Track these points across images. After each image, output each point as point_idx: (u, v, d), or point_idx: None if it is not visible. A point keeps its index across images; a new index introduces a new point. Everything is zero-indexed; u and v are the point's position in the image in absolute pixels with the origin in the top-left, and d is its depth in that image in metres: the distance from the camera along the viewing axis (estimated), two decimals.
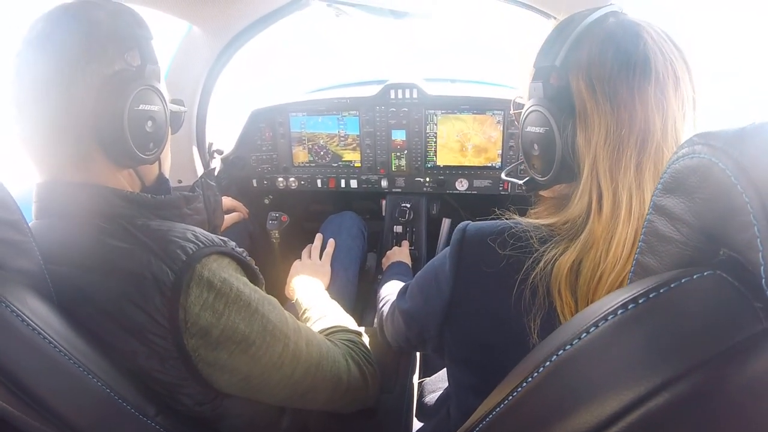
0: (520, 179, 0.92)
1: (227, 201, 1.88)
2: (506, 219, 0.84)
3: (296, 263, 1.69)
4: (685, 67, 0.74)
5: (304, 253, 1.77)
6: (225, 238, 0.90)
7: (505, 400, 0.49)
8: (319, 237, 1.83)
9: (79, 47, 0.80)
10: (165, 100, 0.93)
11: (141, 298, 0.75)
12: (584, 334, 0.42)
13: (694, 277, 0.38)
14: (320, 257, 1.73)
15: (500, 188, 1.95)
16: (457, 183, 1.97)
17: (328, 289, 1.56)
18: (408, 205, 2.02)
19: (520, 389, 0.47)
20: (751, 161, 0.36)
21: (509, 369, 0.60)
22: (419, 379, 1.45)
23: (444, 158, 1.97)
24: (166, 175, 1.03)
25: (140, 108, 0.86)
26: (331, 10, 1.57)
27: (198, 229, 0.86)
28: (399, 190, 2.05)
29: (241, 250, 0.92)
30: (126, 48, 0.85)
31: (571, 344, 0.43)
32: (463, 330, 0.89)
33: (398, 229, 2.02)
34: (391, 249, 1.93)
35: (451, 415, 1.02)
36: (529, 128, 0.83)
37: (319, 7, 1.58)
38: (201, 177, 1.09)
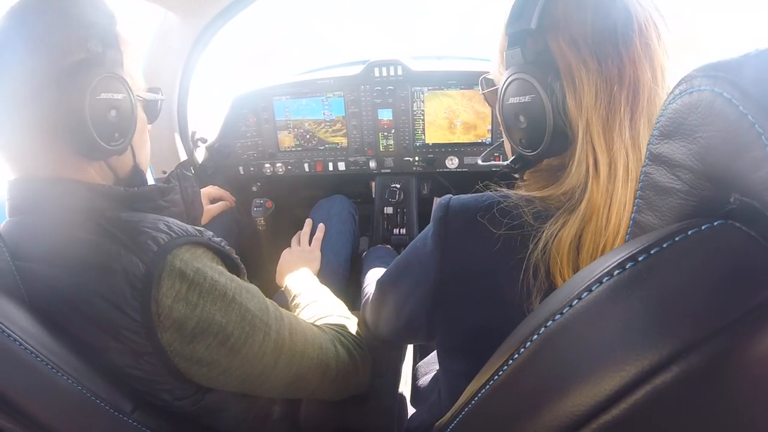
0: (500, 161, 0.85)
1: (213, 190, 1.84)
2: (492, 192, 0.78)
3: (285, 251, 1.66)
4: (660, 16, 0.72)
5: (294, 240, 1.74)
6: (201, 228, 0.87)
7: (492, 379, 0.43)
8: (308, 223, 1.79)
9: (39, 36, 0.78)
10: (130, 88, 0.88)
11: (111, 292, 0.73)
12: (576, 301, 0.36)
13: (703, 228, 0.33)
14: (310, 243, 1.70)
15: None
16: (447, 161, 1.92)
17: (319, 274, 1.52)
18: (398, 186, 1.97)
19: (506, 367, 0.41)
20: (761, 87, 0.30)
21: (491, 344, 0.56)
22: (413, 361, 1.42)
23: (433, 136, 1.92)
24: (142, 166, 0.99)
25: (102, 97, 0.82)
26: None
27: (171, 220, 0.83)
28: (388, 170, 2.00)
29: (219, 239, 0.88)
30: (89, 36, 0.82)
31: (562, 313, 0.37)
32: (453, 315, 0.82)
33: (389, 210, 1.98)
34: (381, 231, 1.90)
35: (442, 398, 0.99)
36: (511, 100, 0.77)
37: None
38: (176, 168, 1.05)
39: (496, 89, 0.85)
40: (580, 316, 0.37)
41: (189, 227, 0.84)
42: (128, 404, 0.76)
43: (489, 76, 0.90)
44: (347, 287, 1.71)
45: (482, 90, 0.92)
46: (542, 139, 0.74)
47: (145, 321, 0.74)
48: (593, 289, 0.36)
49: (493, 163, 0.91)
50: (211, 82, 2.10)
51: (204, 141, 2.01)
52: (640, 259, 0.34)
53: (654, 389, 0.31)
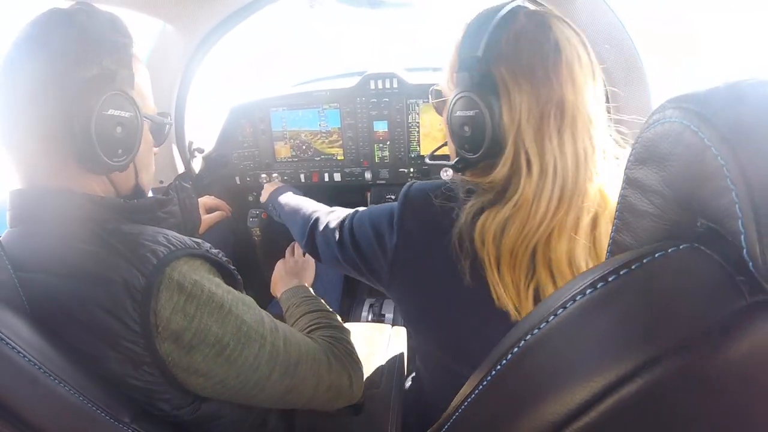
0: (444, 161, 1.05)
1: (209, 200, 1.84)
2: (444, 178, 0.99)
3: (280, 262, 1.67)
4: (581, 41, 0.89)
5: (288, 251, 1.75)
6: (199, 240, 0.88)
7: (479, 386, 0.46)
8: None
9: (58, 51, 0.81)
10: (138, 108, 0.90)
11: (111, 303, 0.74)
12: (552, 317, 0.39)
13: (669, 251, 0.35)
14: (304, 254, 1.71)
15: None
16: (441, 172, 1.94)
17: (314, 285, 1.54)
18: (393, 197, 1.99)
19: (491, 375, 0.44)
20: (725, 121, 0.33)
21: (451, 304, 0.93)
22: (407, 372, 1.43)
23: (427, 147, 1.94)
24: (144, 187, 1.01)
25: (109, 113, 0.84)
26: (305, 1, 1.54)
27: (170, 232, 0.85)
28: (383, 181, 2.02)
29: (216, 251, 0.90)
30: (104, 53, 0.85)
31: (539, 328, 0.40)
32: (409, 267, 0.99)
33: None
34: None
35: (421, 376, 1.15)
36: (458, 113, 0.93)
37: None
38: (175, 180, 1.07)
39: (444, 100, 1.03)
40: (556, 331, 0.39)
41: (187, 239, 0.85)
42: (127, 414, 0.77)
43: (438, 88, 1.06)
44: (342, 298, 1.73)
45: (431, 100, 1.09)
46: (482, 145, 0.90)
47: (144, 331, 0.75)
48: (567, 306, 0.38)
49: (440, 162, 1.07)
50: (212, 85, 2.12)
51: (201, 151, 2.02)
52: (610, 279, 0.37)
53: (620, 399, 0.33)
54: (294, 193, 1.74)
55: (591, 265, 0.85)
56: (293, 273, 1.58)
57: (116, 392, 0.78)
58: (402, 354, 1.41)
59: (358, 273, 1.17)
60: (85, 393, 0.72)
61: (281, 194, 1.71)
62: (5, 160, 0.86)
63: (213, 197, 1.87)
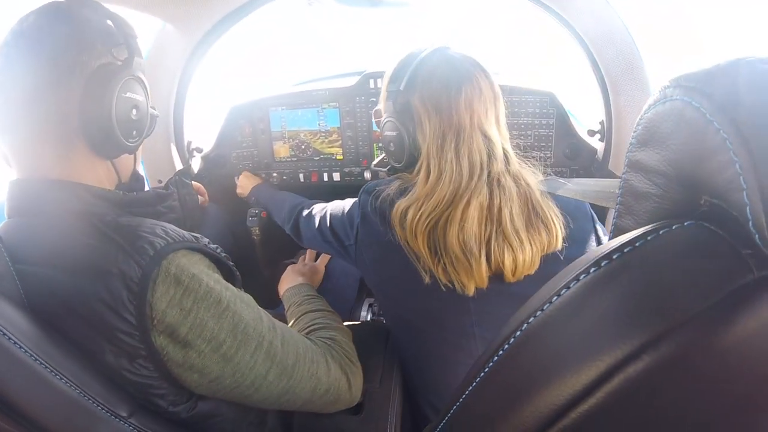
0: (384, 167, 1.38)
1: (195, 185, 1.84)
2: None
3: (290, 266, 1.68)
4: (486, 78, 1.12)
5: (301, 258, 1.80)
6: (198, 235, 0.87)
7: (478, 376, 0.45)
8: None
9: (69, 40, 0.82)
10: (148, 93, 0.95)
11: (108, 295, 0.73)
12: (555, 297, 0.38)
13: (674, 228, 0.35)
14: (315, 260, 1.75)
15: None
16: None
17: (326, 292, 1.53)
18: None
19: (492, 363, 0.43)
20: (726, 96, 0.32)
21: (394, 271, 1.20)
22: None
23: None
24: (140, 171, 1.02)
25: (127, 95, 0.88)
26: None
27: (168, 225, 0.84)
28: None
29: (215, 246, 0.89)
30: (113, 43, 0.88)
31: (542, 309, 0.39)
32: (366, 248, 1.27)
33: None
34: None
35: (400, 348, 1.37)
36: (387, 132, 1.19)
37: None
38: (175, 175, 1.07)
39: (381, 119, 1.26)
40: (560, 312, 0.38)
41: (186, 233, 0.84)
42: (125, 409, 0.77)
43: (378, 109, 1.29)
44: (354, 305, 1.73)
45: (374, 119, 1.33)
46: (403, 158, 1.18)
47: (139, 323, 0.74)
48: (571, 286, 0.38)
49: (380, 169, 1.43)
50: (211, 84, 2.12)
51: (200, 150, 2.02)
52: (614, 257, 0.36)
53: (627, 378, 0.32)
54: (273, 188, 1.99)
55: (488, 248, 1.06)
56: (300, 273, 1.61)
57: (114, 387, 0.77)
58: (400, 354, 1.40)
59: (334, 251, 1.44)
60: (82, 386, 0.71)
61: (264, 188, 1.97)
62: (2, 150, 0.87)
63: (194, 182, 1.86)
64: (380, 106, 1.27)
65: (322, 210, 1.48)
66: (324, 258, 1.71)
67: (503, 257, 1.05)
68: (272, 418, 1.10)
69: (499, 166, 1.09)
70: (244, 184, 2.03)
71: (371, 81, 1.89)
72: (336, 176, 2.04)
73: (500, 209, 1.06)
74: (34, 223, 0.82)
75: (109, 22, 0.89)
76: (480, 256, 1.05)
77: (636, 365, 0.32)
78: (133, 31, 0.92)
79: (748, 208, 0.31)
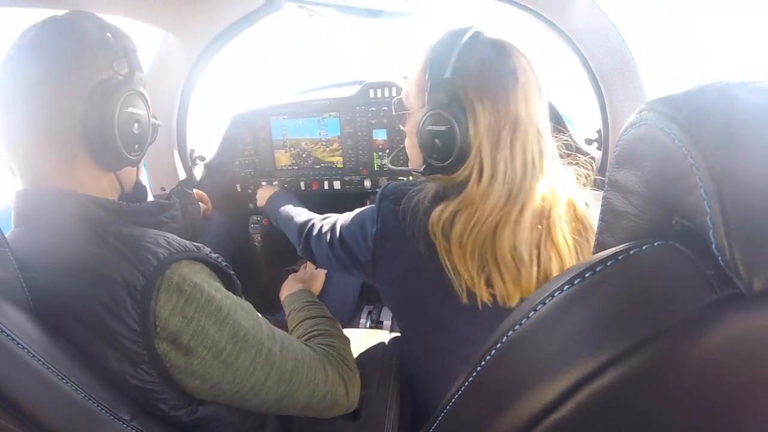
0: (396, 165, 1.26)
1: (196, 192, 1.87)
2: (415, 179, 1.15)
3: (293, 275, 1.70)
4: (533, 71, 1.03)
5: (302, 265, 1.80)
6: (199, 244, 0.90)
7: (465, 383, 0.47)
8: None
9: (72, 54, 0.84)
10: (149, 106, 0.96)
11: (113, 303, 0.76)
12: (532, 313, 0.41)
13: (644, 248, 0.37)
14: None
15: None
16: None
17: (327, 300, 1.55)
18: None
19: (476, 372, 0.46)
20: (695, 122, 0.34)
21: (422, 288, 1.09)
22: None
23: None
24: (143, 181, 1.04)
25: (129, 110, 0.89)
26: (303, 12, 1.56)
27: (171, 235, 0.87)
28: None
29: (216, 255, 0.92)
30: (114, 57, 0.90)
31: (520, 324, 0.41)
32: (389, 253, 1.14)
33: None
34: None
35: (409, 364, 1.32)
36: (430, 127, 1.03)
37: (291, 9, 1.57)
38: (177, 185, 1.09)
39: (406, 113, 1.17)
40: (536, 327, 0.41)
41: (187, 243, 0.87)
42: (128, 412, 0.79)
43: (401, 99, 1.18)
44: (354, 312, 1.75)
45: (395, 111, 1.21)
46: (450, 155, 1.03)
47: (143, 331, 0.77)
48: (547, 302, 0.40)
49: (407, 169, 1.26)
50: (214, 92, 2.14)
51: (202, 159, 2.04)
52: (586, 275, 0.38)
53: (592, 392, 0.34)
54: (289, 198, 1.83)
55: (537, 254, 1.00)
56: (300, 280, 1.62)
57: (117, 391, 0.79)
58: (399, 360, 1.42)
59: (347, 270, 1.31)
60: (87, 390, 0.74)
61: (279, 201, 1.78)
62: (5, 162, 0.89)
63: (196, 190, 1.89)
64: (409, 98, 1.15)
65: (331, 225, 1.35)
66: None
67: (550, 264, 1.01)
68: (271, 423, 1.12)
69: (549, 164, 1.03)
70: (263, 196, 1.93)
71: (371, 91, 1.90)
72: (336, 185, 2.05)
73: (550, 213, 1.00)
74: (40, 232, 0.85)
75: (109, 35, 0.91)
76: (531, 264, 0.99)
77: (602, 378, 0.34)
78: (134, 44, 0.94)
79: (711, 231, 0.32)
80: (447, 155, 1.04)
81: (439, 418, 0.52)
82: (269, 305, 1.62)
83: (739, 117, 0.34)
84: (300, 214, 1.60)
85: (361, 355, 1.17)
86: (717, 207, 0.32)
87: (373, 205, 1.17)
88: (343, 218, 1.33)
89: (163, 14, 1.47)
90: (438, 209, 1.01)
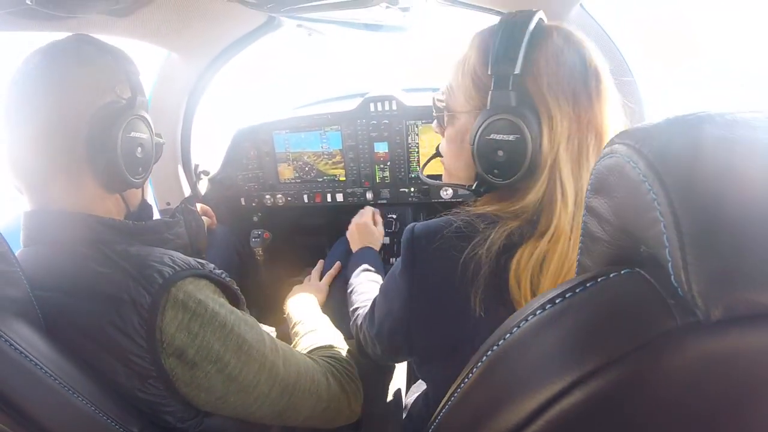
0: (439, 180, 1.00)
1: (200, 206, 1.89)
2: (450, 215, 0.87)
3: (296, 286, 1.71)
4: (605, 70, 0.84)
5: (306, 277, 1.80)
6: (203, 261, 0.92)
7: (453, 395, 0.50)
8: (320, 263, 1.84)
9: (74, 80, 0.87)
10: (152, 129, 0.98)
11: (120, 320, 0.78)
12: (508, 335, 0.43)
13: (611, 275, 0.39)
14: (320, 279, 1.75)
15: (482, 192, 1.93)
16: (441, 192, 1.96)
17: (330, 310, 1.56)
18: (394, 216, 2.01)
19: (463, 384, 0.48)
20: (659, 157, 0.36)
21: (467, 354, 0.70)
22: (406, 384, 1.45)
23: (427, 168, 1.95)
24: (149, 200, 1.07)
25: (132, 135, 0.91)
26: (302, 31, 1.59)
27: (175, 253, 0.89)
28: (384, 201, 2.05)
29: (220, 271, 0.94)
30: (116, 82, 0.92)
31: (498, 345, 0.44)
32: (427, 329, 0.90)
33: (386, 240, 2.01)
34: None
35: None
36: (493, 135, 0.84)
37: (290, 27, 1.59)
38: (181, 203, 1.12)
39: (451, 115, 0.95)
40: (511, 348, 0.43)
41: (192, 260, 0.89)
42: (136, 425, 0.82)
43: (442, 99, 0.97)
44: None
45: (434, 112, 0.99)
46: (516, 172, 0.84)
47: (150, 347, 0.79)
48: (520, 325, 0.42)
49: (455, 183, 1.02)
50: (217, 105, 2.17)
51: (207, 173, 2.07)
52: (557, 301, 0.40)
53: (561, 410, 0.36)
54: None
55: None
56: (304, 291, 1.62)
57: (126, 404, 0.82)
58: (402, 370, 1.43)
59: (396, 358, 1.14)
60: (97, 404, 0.77)
61: (355, 266, 1.54)
62: (12, 183, 0.91)
63: (201, 204, 1.91)
64: (454, 95, 0.94)
65: (368, 313, 1.11)
66: (328, 277, 1.72)
67: None
68: None
69: None
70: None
71: (371, 105, 1.92)
72: (339, 197, 2.07)
73: None
74: (49, 251, 0.87)
75: (110, 59, 0.93)
76: None
77: (569, 399, 0.36)
78: (136, 67, 0.96)
79: (670, 263, 0.34)
80: (512, 171, 0.84)
81: (432, 426, 0.54)
82: (274, 317, 1.63)
83: (703, 153, 0.35)
84: (357, 290, 1.38)
85: (363, 366, 1.18)
86: (675, 241, 0.33)
87: (397, 264, 0.94)
88: (372, 308, 1.08)
89: (166, 35, 1.50)
90: (521, 252, 0.80)
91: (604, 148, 0.43)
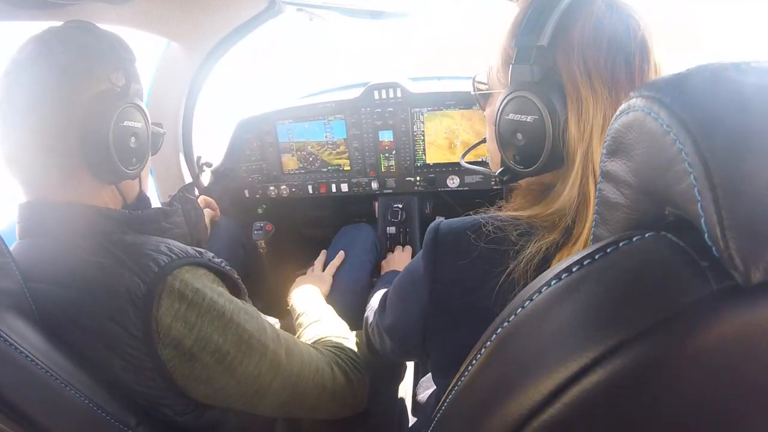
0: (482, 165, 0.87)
1: (202, 198, 1.87)
2: (479, 215, 0.78)
3: (300, 277, 1.68)
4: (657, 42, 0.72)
5: (309, 267, 1.78)
6: (202, 250, 0.90)
7: (458, 383, 0.46)
8: (323, 253, 1.82)
9: (68, 68, 0.84)
10: (147, 118, 0.95)
11: (115, 311, 0.76)
12: (520, 309, 0.38)
13: (634, 239, 0.35)
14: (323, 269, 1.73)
15: (492, 183, 1.91)
16: (448, 180, 1.93)
17: (334, 300, 1.53)
18: (400, 206, 1.98)
19: (468, 370, 0.44)
20: (683, 106, 0.32)
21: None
22: (414, 378, 1.42)
23: (433, 156, 1.93)
24: (147, 192, 1.04)
25: (125, 124, 0.88)
26: (303, 15, 1.56)
27: (173, 242, 0.87)
28: (390, 191, 2.02)
29: (219, 260, 0.91)
30: (111, 69, 0.89)
31: (508, 321, 0.39)
32: (445, 333, 0.82)
33: (391, 230, 1.98)
34: (387, 254, 1.90)
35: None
36: (511, 116, 0.75)
37: (291, 12, 1.56)
38: (179, 191, 1.09)
39: (490, 94, 0.86)
40: (524, 324, 0.39)
41: (190, 249, 0.87)
42: (133, 418, 0.79)
43: (482, 79, 0.89)
44: (361, 314, 1.74)
45: (473, 91, 0.91)
46: (537, 159, 0.74)
47: (145, 338, 0.77)
48: (534, 298, 0.38)
49: (478, 168, 0.98)
50: (219, 95, 2.14)
51: (209, 165, 2.04)
52: (574, 269, 0.36)
53: (582, 391, 0.32)
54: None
55: None
56: (308, 282, 1.59)
57: (121, 397, 0.80)
58: (410, 362, 1.41)
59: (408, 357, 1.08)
60: (91, 397, 0.74)
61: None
62: (7, 174, 0.89)
63: (204, 196, 1.89)
64: (492, 72, 0.85)
65: (377, 310, 1.04)
66: (332, 267, 1.70)
67: None
68: (280, 427, 1.12)
69: None
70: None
71: (375, 92, 1.88)
72: (344, 187, 2.05)
73: None
74: (43, 243, 0.85)
75: (106, 46, 0.90)
76: None
77: (590, 378, 0.32)
78: (132, 54, 0.94)
79: (702, 219, 0.30)
80: (532, 158, 0.75)
81: (435, 419, 0.50)
82: (278, 309, 1.61)
83: (729, 98, 0.32)
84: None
85: (368, 357, 1.16)
86: (708, 194, 0.30)
87: (416, 263, 0.85)
88: (383, 301, 1.01)
89: (165, 23, 1.47)
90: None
91: (622, 105, 0.39)
